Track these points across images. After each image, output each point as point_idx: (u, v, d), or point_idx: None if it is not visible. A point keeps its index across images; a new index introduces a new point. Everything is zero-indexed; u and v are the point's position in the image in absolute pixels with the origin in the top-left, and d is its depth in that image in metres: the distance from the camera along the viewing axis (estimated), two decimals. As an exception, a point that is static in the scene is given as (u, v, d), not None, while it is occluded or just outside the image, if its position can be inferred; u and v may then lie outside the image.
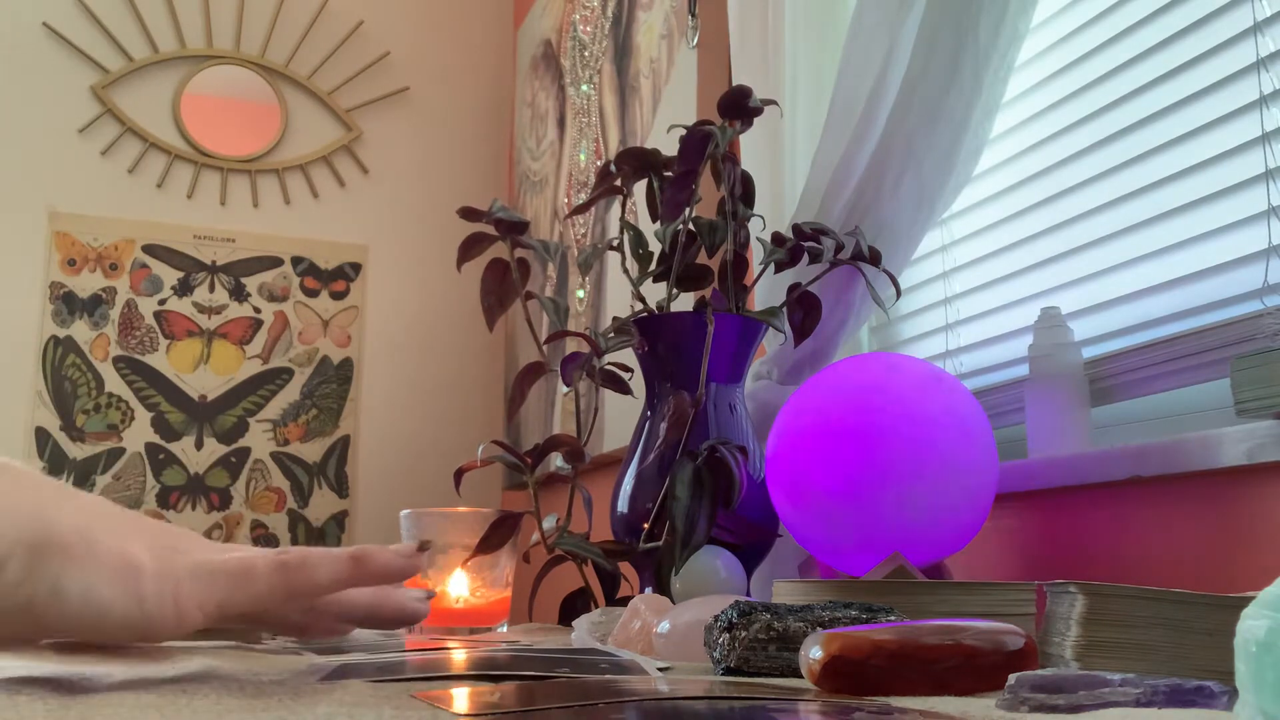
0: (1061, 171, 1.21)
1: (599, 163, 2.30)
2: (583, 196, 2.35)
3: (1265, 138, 0.97)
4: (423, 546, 0.51)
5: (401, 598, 0.53)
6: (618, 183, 1.19)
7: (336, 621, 0.53)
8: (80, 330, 2.67)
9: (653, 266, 1.19)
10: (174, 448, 2.69)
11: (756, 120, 1.18)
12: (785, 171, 1.40)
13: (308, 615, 0.53)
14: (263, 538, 2.71)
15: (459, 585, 1.07)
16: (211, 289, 2.78)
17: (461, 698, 0.43)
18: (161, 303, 2.74)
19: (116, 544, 0.44)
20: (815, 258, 1.13)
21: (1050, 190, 1.22)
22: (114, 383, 2.68)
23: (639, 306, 1.19)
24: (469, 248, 1.14)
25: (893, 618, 0.59)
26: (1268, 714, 0.31)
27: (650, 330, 1.13)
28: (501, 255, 1.17)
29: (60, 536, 0.42)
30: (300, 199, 2.87)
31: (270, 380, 2.79)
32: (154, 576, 0.44)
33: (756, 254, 1.22)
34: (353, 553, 0.49)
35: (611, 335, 1.15)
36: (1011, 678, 0.42)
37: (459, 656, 0.60)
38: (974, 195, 1.32)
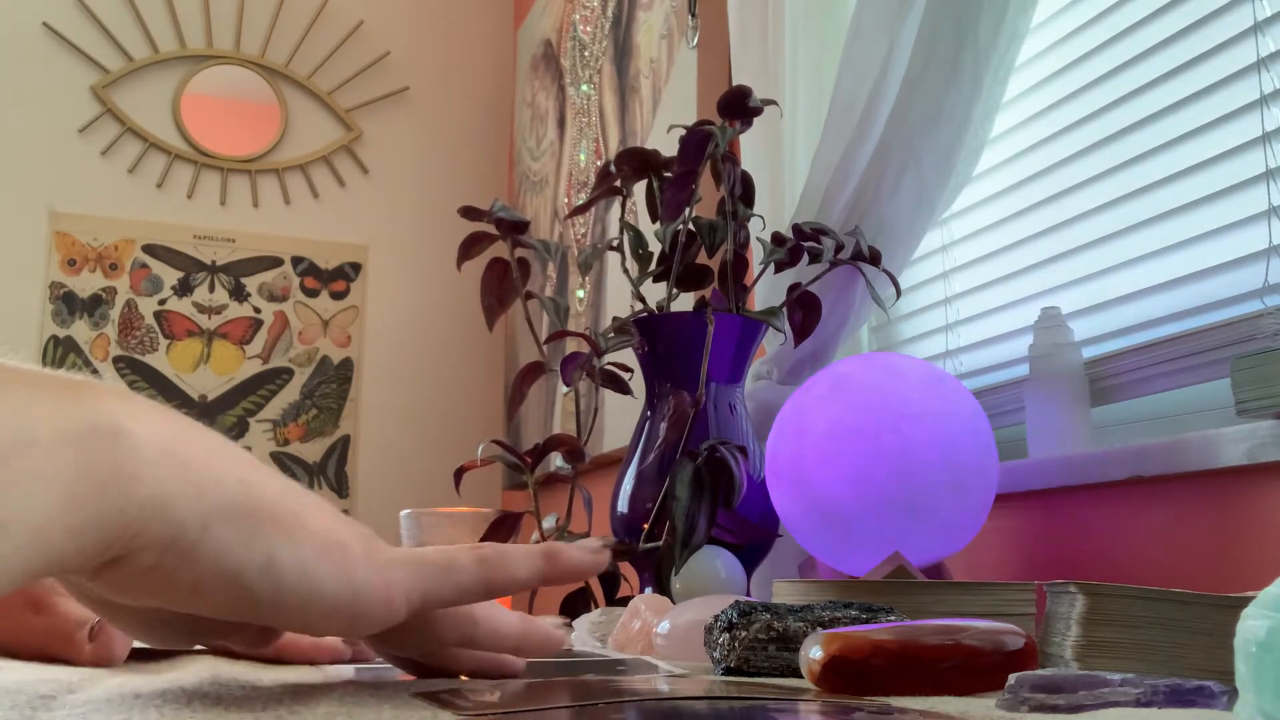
0: (1061, 171, 1.21)
1: (599, 163, 2.30)
2: (583, 196, 2.35)
3: (1265, 138, 0.97)
4: (606, 544, 0.50)
5: (545, 626, 0.51)
6: (618, 183, 1.19)
7: (488, 650, 0.49)
8: (80, 330, 2.67)
9: (653, 266, 1.19)
10: (174, 448, 2.69)
11: (756, 120, 1.18)
12: (785, 171, 1.40)
13: (454, 654, 0.49)
14: (263, 538, 2.71)
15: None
16: (211, 289, 2.79)
17: (462, 697, 0.43)
18: (161, 303, 2.74)
19: (324, 522, 0.39)
20: (815, 258, 1.13)
21: (1050, 190, 1.22)
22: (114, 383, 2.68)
23: (639, 306, 1.19)
24: (469, 247, 1.14)
25: (893, 618, 0.59)
26: (1267, 714, 0.31)
27: (650, 330, 1.13)
28: (501, 255, 1.17)
29: (269, 505, 0.38)
30: (300, 199, 2.87)
31: (270, 380, 2.79)
32: (365, 560, 0.40)
33: (756, 254, 1.22)
34: (545, 549, 0.47)
35: (611, 335, 1.15)
36: (1011, 678, 0.42)
37: None
38: (974, 195, 1.32)
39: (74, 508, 0.32)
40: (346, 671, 0.55)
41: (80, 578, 0.37)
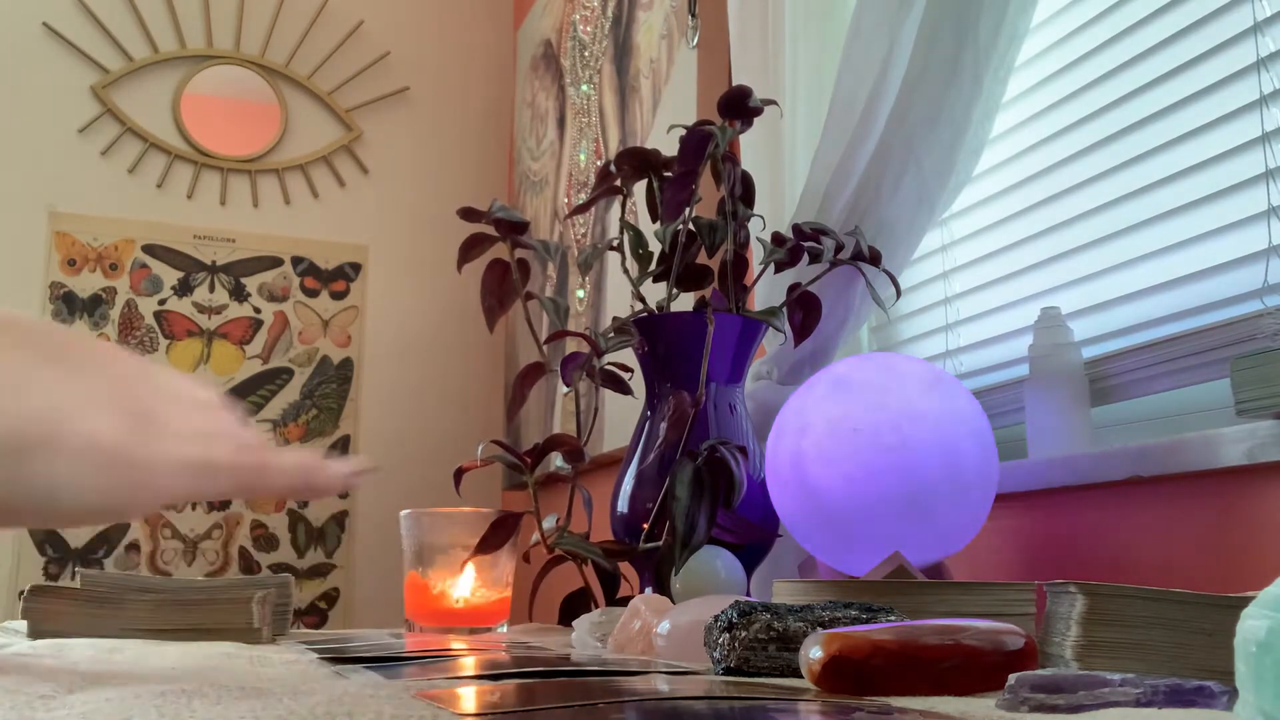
0: (1061, 171, 1.21)
1: (599, 163, 2.30)
2: (583, 196, 2.35)
3: (1265, 138, 0.97)
4: (369, 469, 0.52)
5: (332, 470, 0.51)
6: (618, 183, 1.19)
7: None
8: (80, 330, 2.67)
9: (653, 266, 1.19)
10: (174, 448, 2.69)
11: (756, 120, 1.18)
12: (785, 171, 1.40)
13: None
14: (263, 537, 2.71)
15: (459, 585, 1.07)
16: (211, 289, 2.79)
17: (462, 697, 0.43)
18: (161, 303, 2.74)
19: (87, 425, 0.41)
20: (815, 258, 1.13)
21: (1050, 190, 1.22)
22: (114, 383, 2.68)
23: (639, 306, 1.19)
24: (469, 248, 1.14)
25: (893, 618, 0.59)
26: (1267, 714, 0.31)
27: (650, 330, 1.13)
28: (502, 256, 1.17)
29: (33, 427, 0.39)
30: (300, 199, 2.87)
31: (270, 380, 2.79)
32: (127, 465, 0.42)
33: (756, 254, 1.22)
34: (304, 466, 0.49)
35: (611, 335, 1.15)
36: (1011, 678, 0.42)
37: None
38: (974, 195, 1.32)
39: None
40: (348, 671, 0.55)
41: None
